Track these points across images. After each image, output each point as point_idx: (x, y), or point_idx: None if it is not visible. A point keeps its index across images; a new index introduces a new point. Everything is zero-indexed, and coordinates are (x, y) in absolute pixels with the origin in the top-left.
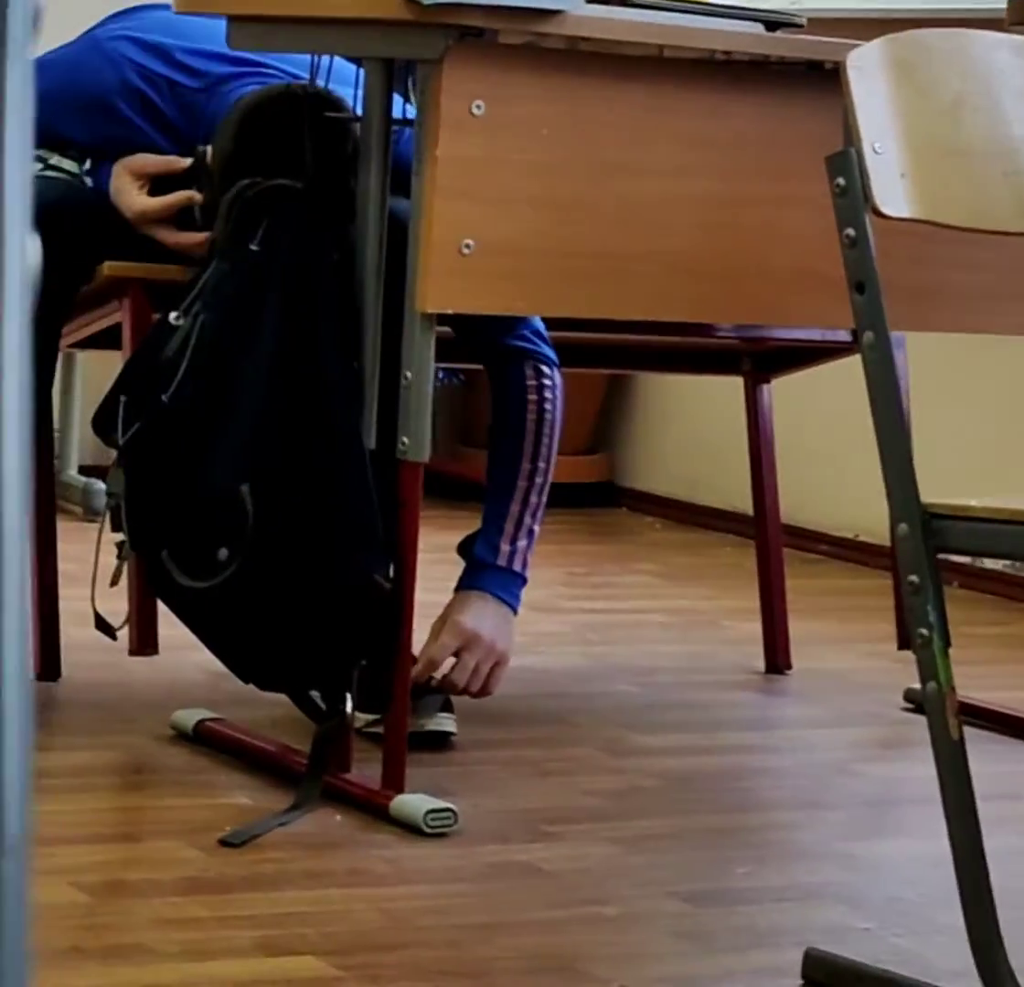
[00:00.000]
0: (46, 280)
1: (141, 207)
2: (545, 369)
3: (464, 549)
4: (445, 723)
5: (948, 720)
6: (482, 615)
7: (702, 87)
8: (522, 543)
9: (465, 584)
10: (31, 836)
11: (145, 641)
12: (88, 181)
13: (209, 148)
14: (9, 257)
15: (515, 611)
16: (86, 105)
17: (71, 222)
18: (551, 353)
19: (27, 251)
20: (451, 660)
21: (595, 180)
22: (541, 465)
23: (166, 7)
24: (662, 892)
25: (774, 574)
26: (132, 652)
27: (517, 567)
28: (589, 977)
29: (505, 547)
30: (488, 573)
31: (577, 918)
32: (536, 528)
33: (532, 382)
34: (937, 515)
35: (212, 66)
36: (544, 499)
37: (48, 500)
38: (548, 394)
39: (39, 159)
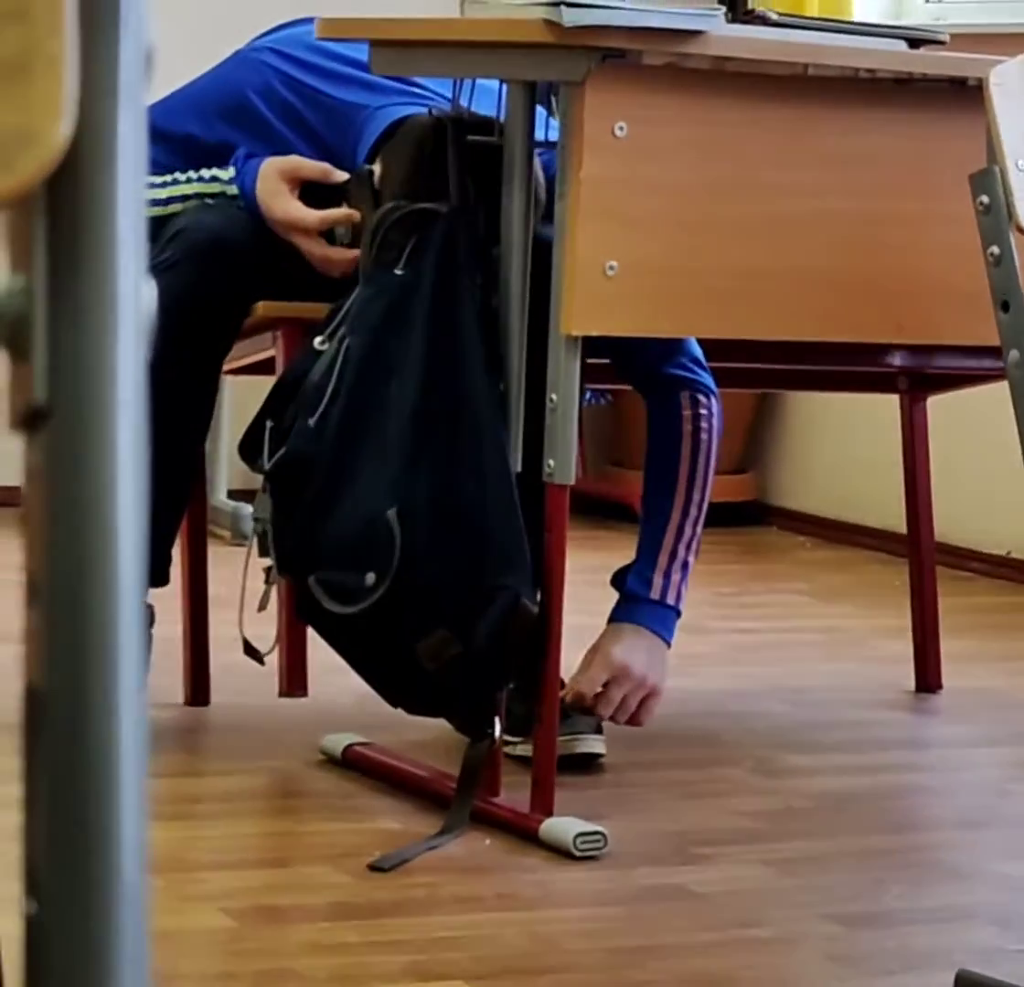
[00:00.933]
0: (210, 311)
1: (297, 216)
2: (702, 398)
3: (617, 581)
4: (594, 745)
5: None
6: (634, 647)
7: (845, 105)
8: (676, 576)
9: (618, 616)
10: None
11: (293, 684)
12: (232, 189)
13: (375, 167)
14: (123, 307)
15: (668, 644)
16: (228, 108)
17: (233, 256)
18: (709, 381)
19: (142, 299)
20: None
21: (738, 200)
22: (696, 496)
23: (309, 21)
24: (815, 914)
25: (927, 593)
26: (282, 694)
27: (671, 600)
28: None
29: (658, 580)
30: (641, 606)
31: (730, 941)
32: (691, 560)
33: (688, 411)
34: None
35: (361, 82)
36: (699, 531)
37: (199, 527)
38: (704, 423)
39: (192, 174)
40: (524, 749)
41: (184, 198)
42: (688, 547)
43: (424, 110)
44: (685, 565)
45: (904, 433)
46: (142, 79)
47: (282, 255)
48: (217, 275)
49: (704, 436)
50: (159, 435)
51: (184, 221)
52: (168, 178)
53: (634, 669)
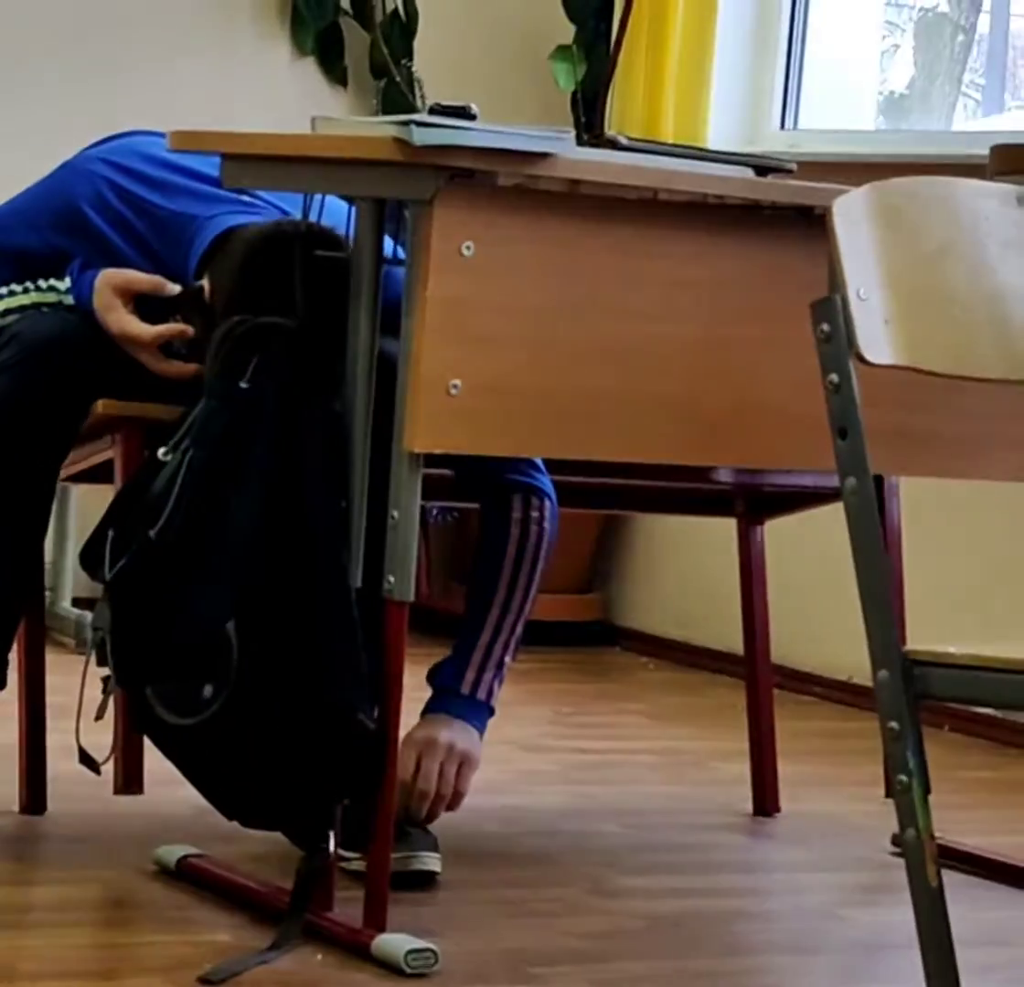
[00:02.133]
0: (46, 413)
1: (132, 332)
2: (534, 500)
3: (432, 674)
4: (430, 863)
5: (927, 867)
6: (443, 729)
7: (693, 230)
8: (489, 674)
9: (429, 708)
10: None
11: (130, 780)
12: (69, 298)
13: (204, 283)
14: None
15: (480, 732)
16: (60, 219)
17: (69, 357)
18: (546, 484)
19: None
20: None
21: (584, 322)
22: (517, 597)
23: (142, 133)
24: None
25: (763, 715)
26: (117, 791)
27: (481, 696)
28: None
29: (471, 675)
30: (452, 699)
31: None
32: (508, 660)
33: (517, 514)
34: (918, 661)
35: (191, 192)
36: (519, 632)
37: (37, 632)
38: (534, 527)
39: (29, 285)
40: (359, 864)
41: (22, 308)
42: (505, 647)
43: (254, 219)
44: (500, 664)
45: (741, 556)
46: None
47: (120, 359)
48: (53, 377)
49: (532, 539)
50: None
51: (19, 326)
52: (3, 290)
53: (440, 739)
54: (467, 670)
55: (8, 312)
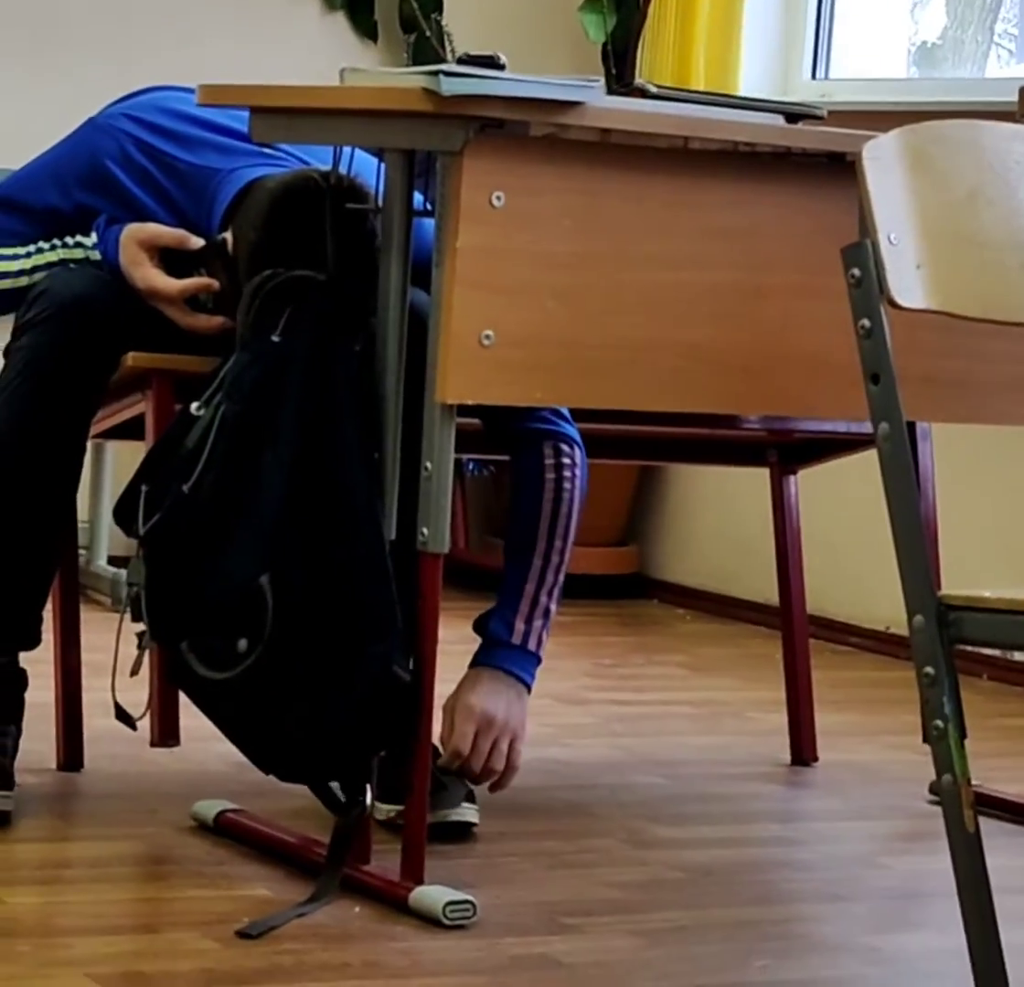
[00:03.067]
0: (76, 367)
1: (158, 286)
2: (565, 448)
3: (479, 625)
4: (467, 814)
5: (964, 812)
6: (496, 695)
7: (723, 178)
8: (538, 623)
9: (479, 660)
10: None
11: (166, 732)
12: (96, 254)
13: (227, 236)
14: None
15: (529, 688)
16: (86, 176)
17: (99, 312)
18: (573, 432)
19: None
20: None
21: (615, 271)
22: (558, 544)
23: (166, 88)
24: (682, 985)
25: (800, 666)
26: (153, 744)
27: (532, 646)
28: None
29: (520, 626)
30: (502, 650)
31: None
32: (553, 607)
33: (550, 461)
34: (952, 606)
35: (215, 146)
36: (561, 579)
37: (72, 590)
38: (567, 473)
39: (57, 242)
40: (395, 817)
41: (49, 265)
42: (549, 594)
43: (277, 172)
44: (547, 612)
45: (774, 506)
46: None
47: (148, 313)
48: (82, 331)
49: (567, 485)
50: (26, 493)
51: (48, 282)
52: (32, 248)
53: (497, 717)
54: (516, 620)
55: (36, 269)
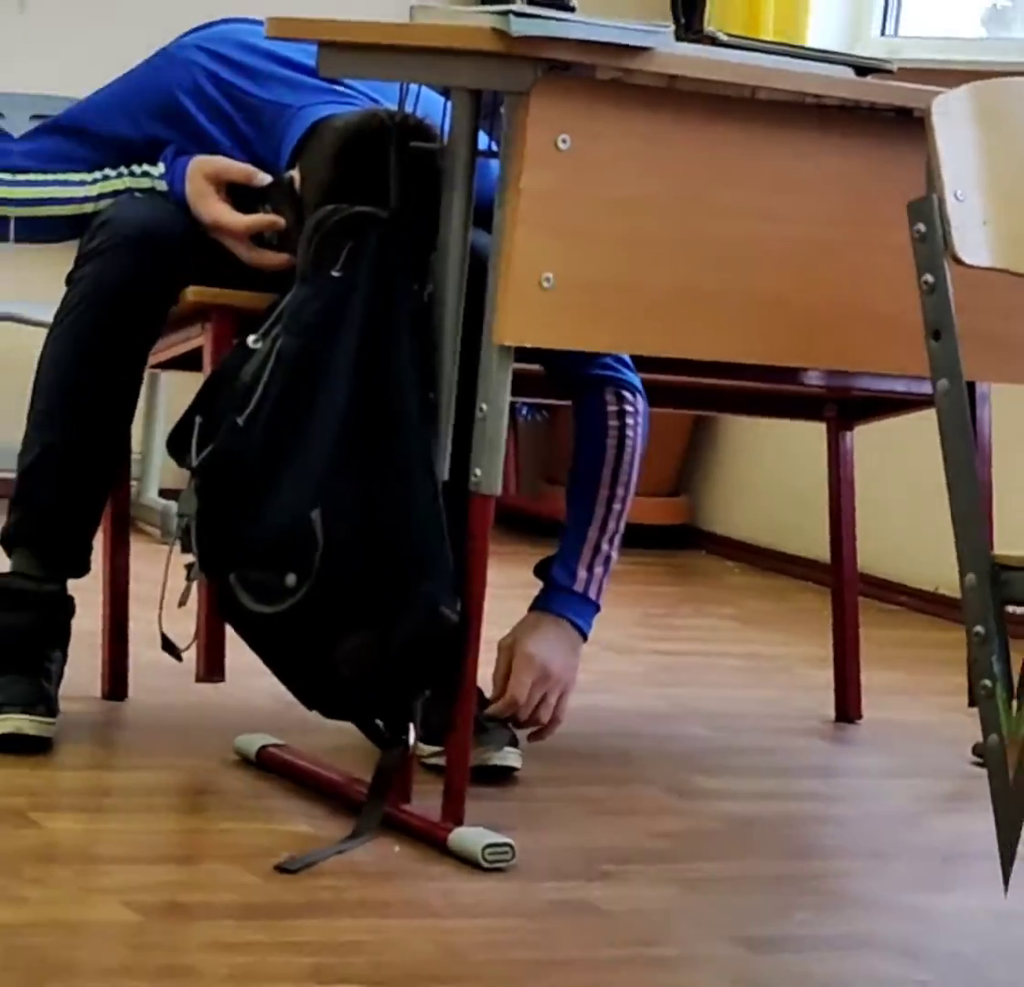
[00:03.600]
0: (138, 297)
1: (224, 221)
2: (627, 395)
3: (541, 570)
4: (510, 758)
5: (1009, 772)
6: (555, 645)
7: (791, 129)
8: (599, 570)
9: (540, 605)
10: None
11: (212, 668)
12: (162, 184)
13: (294, 173)
14: None
15: (585, 638)
16: (156, 106)
17: (162, 244)
18: (635, 379)
19: None
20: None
21: (680, 218)
22: (620, 492)
23: (238, 20)
24: (720, 936)
25: (848, 623)
26: (199, 679)
27: (592, 594)
28: None
29: (582, 573)
30: (564, 597)
31: (632, 958)
32: (614, 555)
33: (613, 408)
34: (1005, 566)
35: (285, 81)
36: (622, 527)
37: (123, 520)
38: (630, 420)
39: (124, 170)
40: (437, 759)
41: (115, 193)
42: (611, 542)
43: (347, 110)
44: (607, 560)
45: (830, 461)
46: None
47: (210, 246)
48: (144, 262)
49: (630, 432)
50: (84, 420)
51: (113, 211)
52: (98, 175)
53: (554, 670)
54: (578, 567)
55: (102, 196)
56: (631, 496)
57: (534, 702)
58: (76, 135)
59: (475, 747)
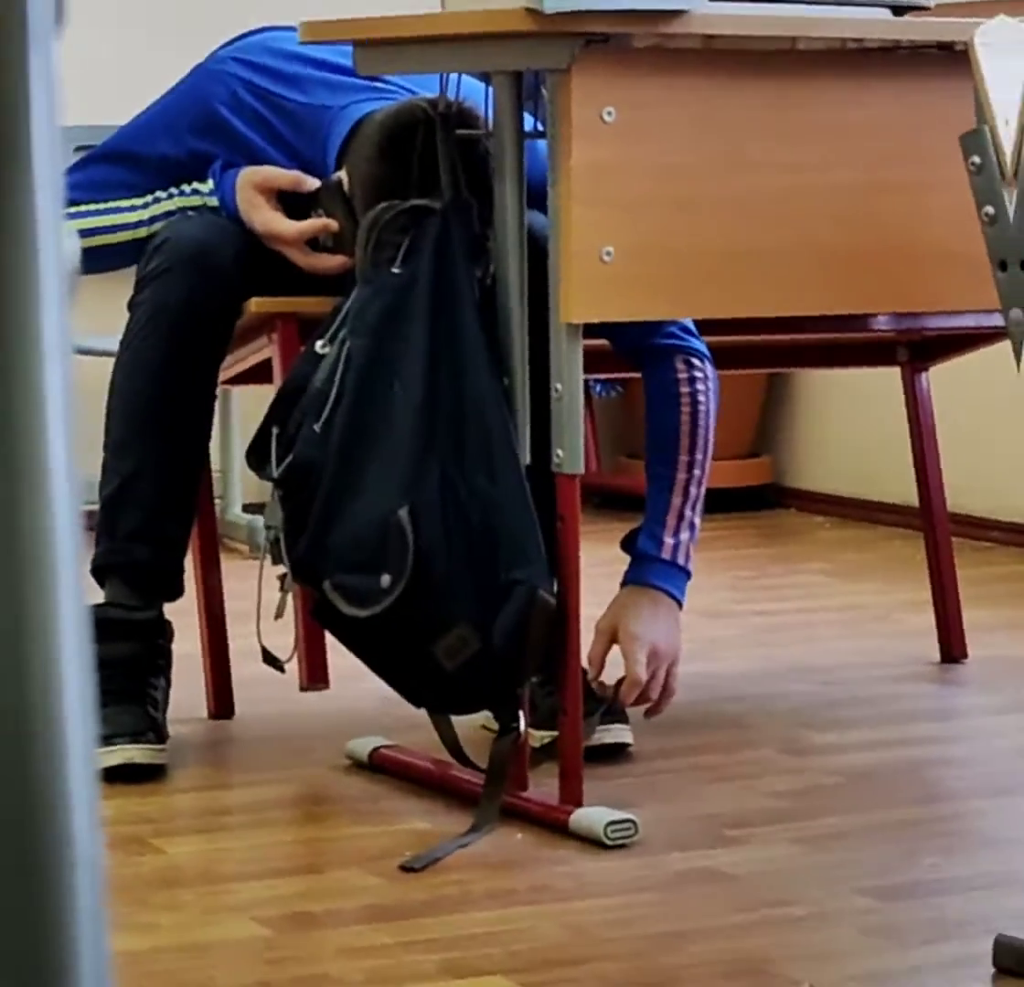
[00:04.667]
0: (201, 316)
1: (277, 229)
2: (696, 361)
3: (627, 544)
4: (621, 735)
5: None
6: (656, 620)
7: (834, 77)
8: (685, 536)
9: (631, 579)
10: (100, 848)
11: (315, 675)
12: (213, 201)
13: (342, 175)
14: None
15: (681, 605)
16: (198, 122)
17: (220, 260)
18: (701, 346)
19: (63, 248)
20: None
21: (732, 178)
22: (698, 457)
23: (271, 29)
24: (849, 889)
25: (944, 564)
26: (303, 688)
27: (681, 560)
28: (780, 979)
29: (668, 540)
30: (654, 566)
31: (765, 920)
32: (697, 521)
33: (683, 375)
34: None
35: (324, 83)
36: (703, 492)
37: (211, 540)
38: (700, 386)
39: (174, 190)
40: (548, 739)
41: (167, 214)
42: (694, 508)
43: (387, 105)
44: (692, 525)
45: (908, 405)
46: (52, 21)
47: (269, 256)
48: (205, 280)
49: (701, 397)
50: (160, 445)
51: (168, 232)
52: (149, 198)
53: (661, 645)
54: (664, 535)
55: (155, 219)
56: (709, 461)
57: (642, 680)
58: (122, 161)
59: (586, 727)
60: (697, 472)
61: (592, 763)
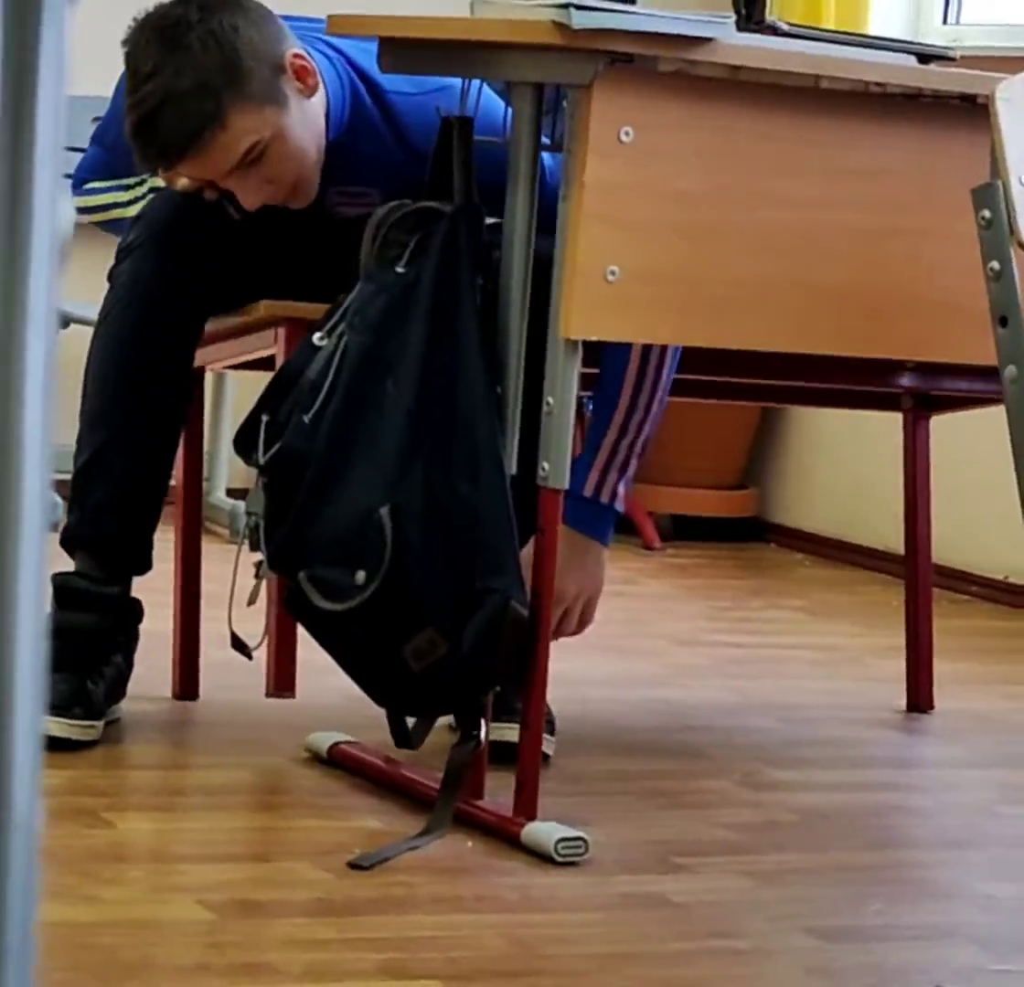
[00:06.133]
0: (175, 293)
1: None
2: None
3: None
4: (548, 746)
5: None
6: (568, 566)
7: (853, 118)
8: (613, 476)
9: None
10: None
11: (282, 683)
12: None
13: None
14: (40, 218)
15: (604, 544)
16: None
17: (188, 233)
18: None
19: (58, 217)
20: None
21: (743, 209)
22: (644, 395)
23: (292, 19)
24: (794, 927)
25: (922, 613)
26: (269, 694)
27: (605, 498)
28: None
29: (594, 476)
30: (577, 506)
31: (707, 951)
32: (633, 462)
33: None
34: None
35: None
36: (646, 433)
37: (195, 521)
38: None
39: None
40: (509, 735)
41: (154, 190)
42: (630, 448)
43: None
44: (625, 465)
45: (906, 453)
46: None
47: (244, 232)
48: (176, 253)
49: (656, 348)
50: (132, 418)
51: (146, 207)
52: (141, 178)
53: (568, 591)
54: (591, 471)
55: (147, 194)
56: (658, 404)
57: (554, 620)
58: (110, 147)
59: (497, 722)
60: (638, 414)
61: (496, 761)
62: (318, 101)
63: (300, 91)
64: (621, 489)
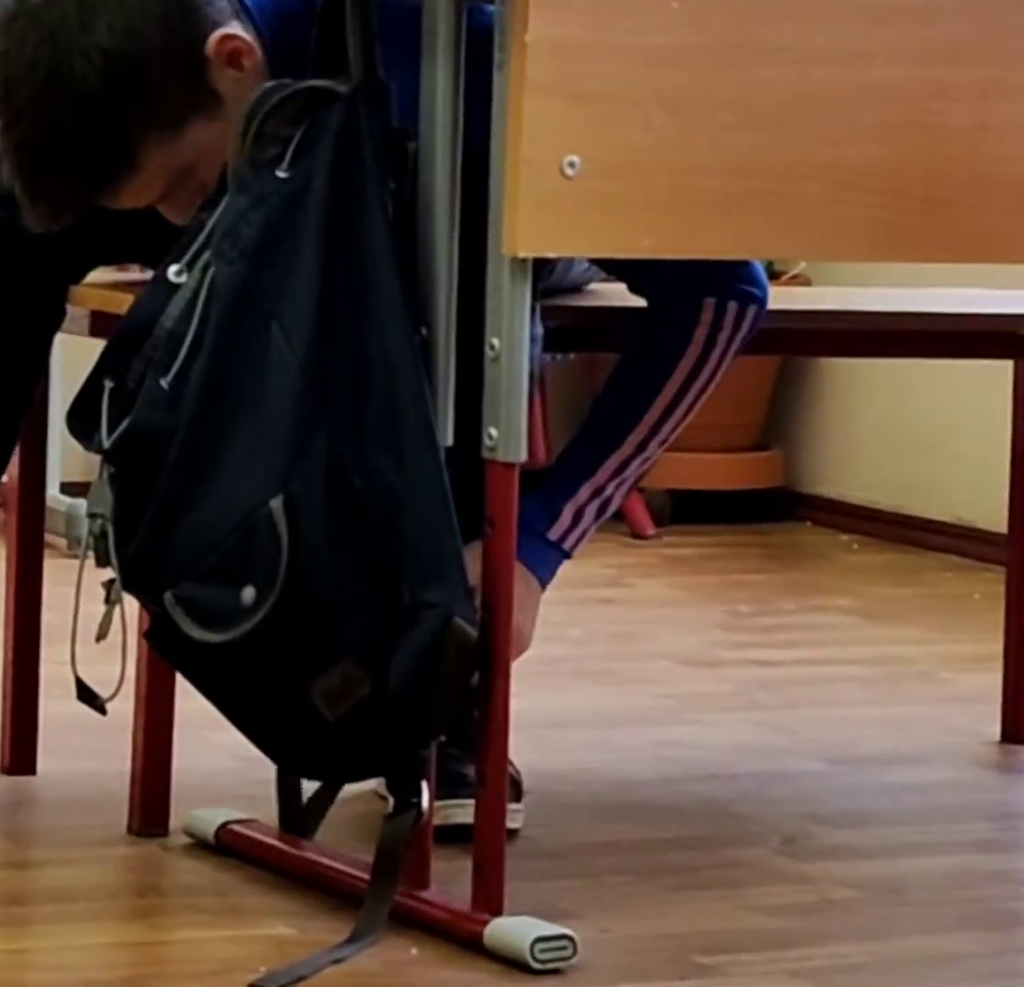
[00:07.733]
0: (14, 285)
1: None
2: (734, 304)
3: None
4: (514, 818)
5: None
6: (520, 607)
7: None
8: (588, 519)
9: None
10: None
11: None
12: None
13: None
14: None
15: (545, 584)
16: None
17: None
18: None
19: None
20: None
21: (744, 69)
22: (678, 413)
23: None
24: None
25: None
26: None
27: (567, 546)
28: None
29: (568, 516)
30: (534, 544)
31: None
32: (617, 500)
33: (707, 317)
34: None
35: None
36: (647, 468)
37: (36, 531)
38: (723, 333)
39: None
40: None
41: None
42: (621, 485)
43: None
44: (605, 505)
45: (1016, 406)
46: None
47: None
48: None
49: (719, 349)
50: None
51: None
52: None
53: (525, 628)
54: (565, 507)
55: None
56: (680, 429)
57: None
58: None
59: (441, 799)
60: (662, 435)
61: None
62: (259, 61)
63: (236, 79)
64: (587, 537)
